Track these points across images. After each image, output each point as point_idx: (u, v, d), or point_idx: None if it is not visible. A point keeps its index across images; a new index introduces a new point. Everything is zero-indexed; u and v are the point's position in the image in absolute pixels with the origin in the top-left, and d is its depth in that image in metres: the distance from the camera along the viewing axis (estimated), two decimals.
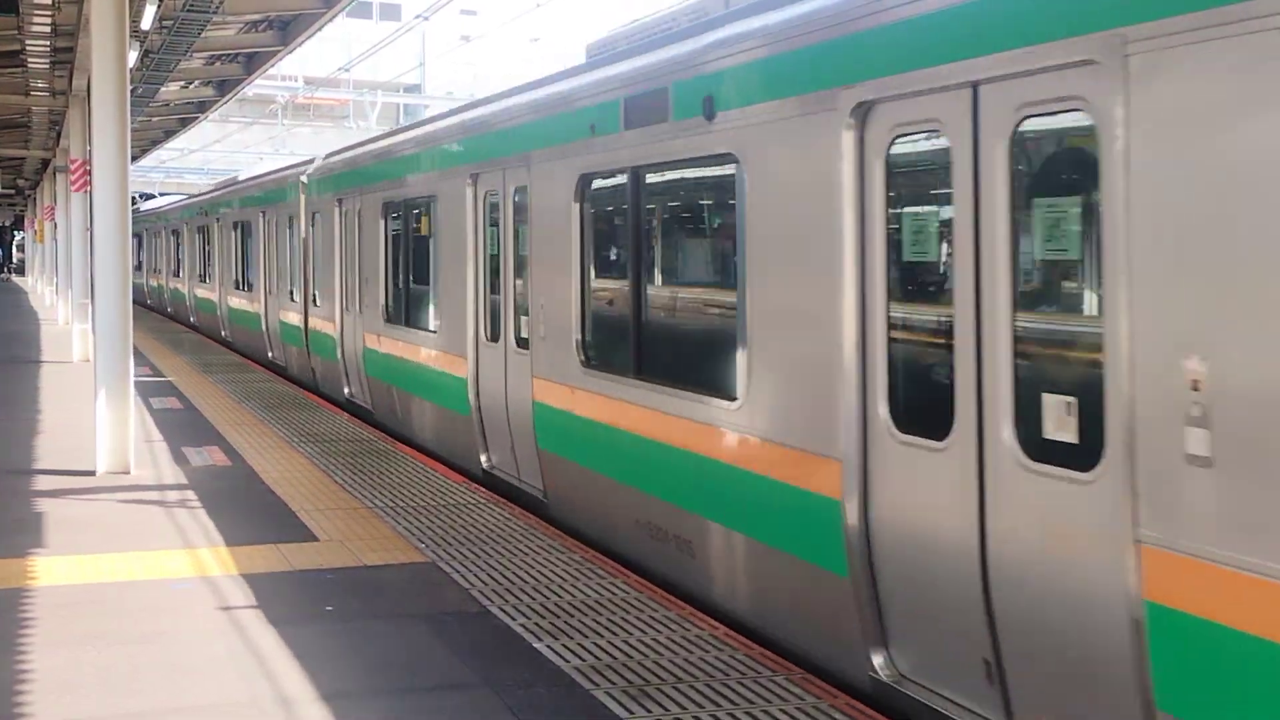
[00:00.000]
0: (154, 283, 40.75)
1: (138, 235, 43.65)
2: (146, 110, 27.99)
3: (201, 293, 30.30)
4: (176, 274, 35.09)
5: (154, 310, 39.46)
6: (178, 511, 9.96)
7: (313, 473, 11.59)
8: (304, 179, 19.33)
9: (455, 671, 6.34)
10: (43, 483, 11.15)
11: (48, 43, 19.72)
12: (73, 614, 7.26)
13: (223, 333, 27.18)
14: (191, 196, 37.09)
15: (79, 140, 23.52)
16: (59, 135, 31.57)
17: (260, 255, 22.61)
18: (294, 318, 19.92)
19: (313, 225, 18.80)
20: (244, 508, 10.09)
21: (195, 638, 6.85)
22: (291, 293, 20.16)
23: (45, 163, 39.95)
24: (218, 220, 27.57)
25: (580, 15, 63.43)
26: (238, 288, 25.26)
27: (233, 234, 25.71)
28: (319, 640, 6.78)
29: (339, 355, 17.13)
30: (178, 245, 34.82)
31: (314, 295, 18.55)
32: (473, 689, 6.09)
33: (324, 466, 11.89)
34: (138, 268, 44.45)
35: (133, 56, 15.34)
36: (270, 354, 22.12)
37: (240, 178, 29.12)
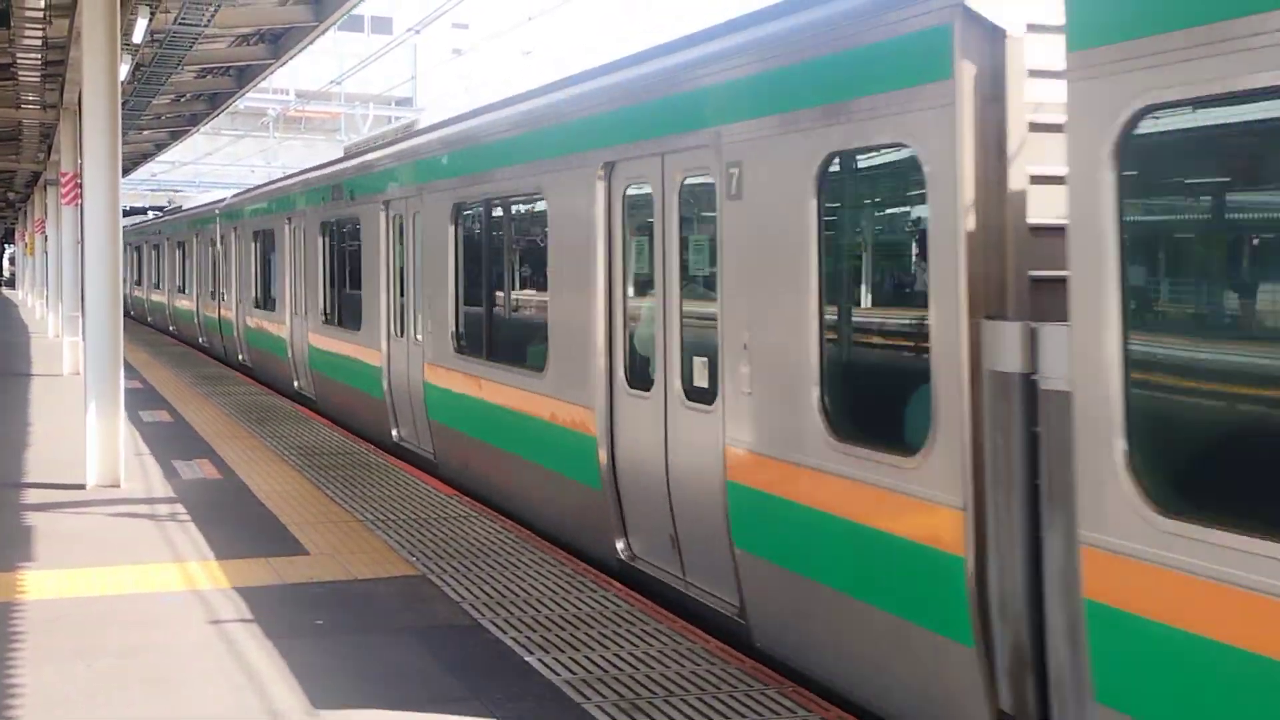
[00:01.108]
0: (211, 314, 27.07)
1: (181, 243, 31.57)
2: (138, 123, 27.97)
3: (331, 343, 16.64)
4: (263, 304, 21.13)
5: (214, 357, 26.19)
6: (168, 525, 9.94)
7: (303, 485, 11.58)
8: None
9: (446, 685, 6.33)
10: (32, 496, 11.12)
11: (39, 56, 19.71)
12: (62, 628, 7.24)
13: (395, 432, 13.91)
14: (315, 169, 19.38)
15: (70, 153, 23.49)
16: (50, 148, 31.54)
17: (596, 268, 9.10)
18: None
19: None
20: (234, 521, 10.07)
21: (185, 652, 6.83)
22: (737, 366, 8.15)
23: (36, 176, 39.92)
24: (387, 207, 14.28)
25: (572, 29, 63.55)
26: (466, 351, 11.84)
27: (450, 229, 12.11)
28: (309, 654, 6.77)
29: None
30: (264, 256, 21.17)
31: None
32: (463, 702, 6.08)
33: (314, 479, 11.87)
34: (181, 290, 31.89)
35: (124, 70, 15.36)
36: (616, 544, 8.97)
37: (419, 124, 16.04)
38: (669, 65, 8.18)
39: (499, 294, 11.44)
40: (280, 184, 21.67)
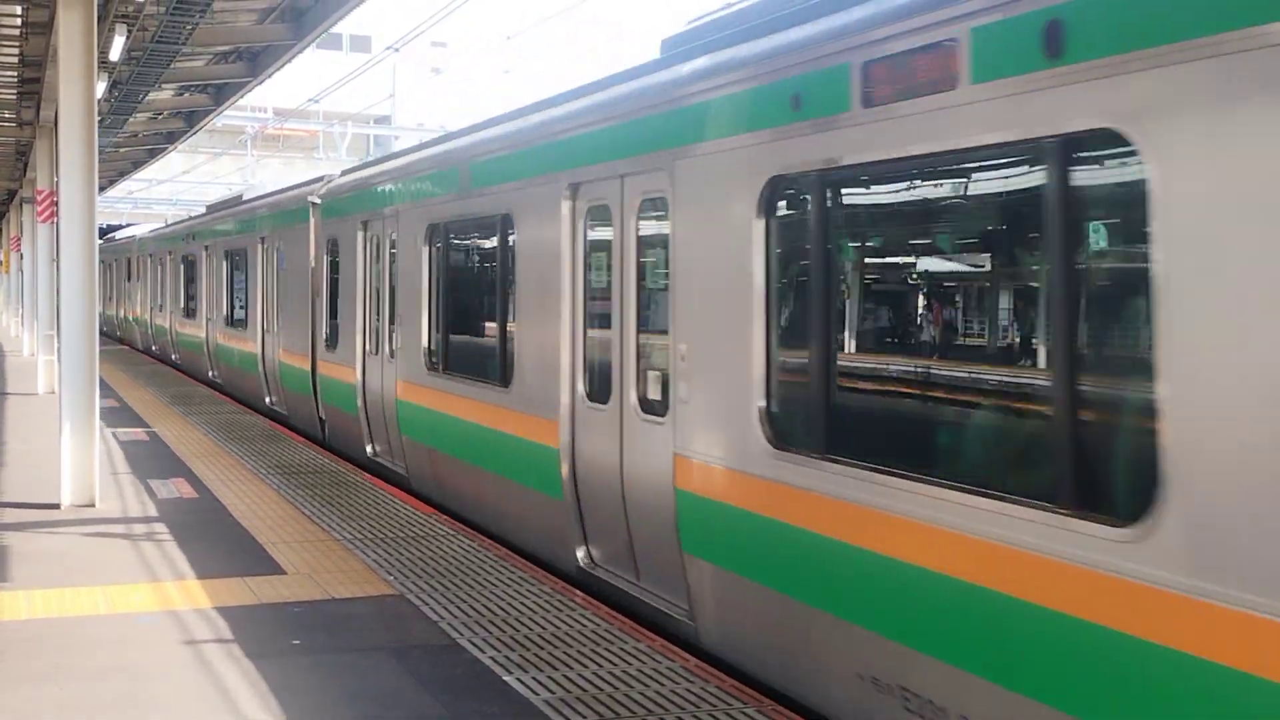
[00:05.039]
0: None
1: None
2: (114, 141, 27.88)
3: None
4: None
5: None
6: (143, 545, 9.87)
7: (280, 504, 11.52)
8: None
9: (423, 705, 6.29)
10: (6, 515, 11.03)
11: (15, 73, 19.66)
12: (35, 649, 7.18)
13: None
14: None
15: (46, 171, 23.41)
16: (26, 166, 31.41)
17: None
18: None
19: None
20: (211, 540, 10.01)
21: (160, 673, 6.78)
22: None
23: (12, 193, 39.75)
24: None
25: (550, 48, 63.68)
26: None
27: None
28: (285, 675, 6.72)
29: None
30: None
31: None
32: None
33: (291, 498, 11.81)
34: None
35: (101, 87, 15.31)
36: None
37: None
38: None
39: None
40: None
